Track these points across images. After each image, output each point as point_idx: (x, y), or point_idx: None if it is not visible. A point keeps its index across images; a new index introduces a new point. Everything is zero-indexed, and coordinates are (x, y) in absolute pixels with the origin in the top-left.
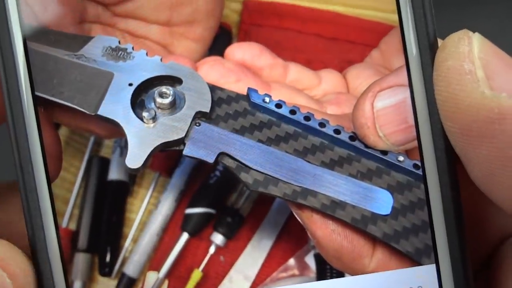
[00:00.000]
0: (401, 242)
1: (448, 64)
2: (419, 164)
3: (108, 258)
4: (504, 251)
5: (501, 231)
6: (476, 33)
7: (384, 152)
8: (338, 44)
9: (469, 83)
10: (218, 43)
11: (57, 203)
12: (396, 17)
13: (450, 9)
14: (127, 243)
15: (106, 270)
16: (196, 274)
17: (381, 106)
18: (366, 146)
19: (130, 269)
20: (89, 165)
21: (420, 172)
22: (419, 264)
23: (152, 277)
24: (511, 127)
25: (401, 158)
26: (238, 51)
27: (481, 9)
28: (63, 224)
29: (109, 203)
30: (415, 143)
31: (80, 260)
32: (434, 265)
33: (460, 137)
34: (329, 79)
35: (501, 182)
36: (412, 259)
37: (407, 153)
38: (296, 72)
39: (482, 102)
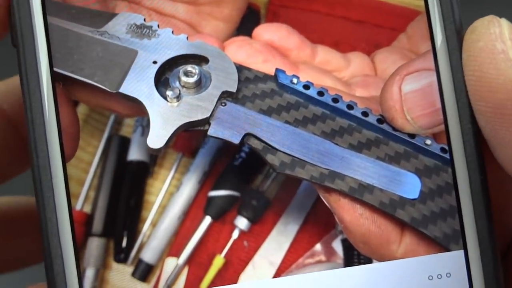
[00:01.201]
0: (429, 227)
1: (480, 45)
2: (447, 147)
3: (124, 243)
4: None
5: None
6: (503, 18)
7: (412, 136)
8: (365, 28)
9: (502, 61)
10: (246, 24)
11: (72, 184)
12: (422, 2)
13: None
14: (146, 227)
15: (121, 256)
16: (218, 261)
17: (409, 89)
18: (394, 129)
19: (148, 255)
20: (108, 145)
21: (447, 155)
22: (448, 250)
23: (171, 263)
24: None
25: (428, 142)
26: (266, 31)
27: (480, 9)
28: (77, 206)
29: (127, 185)
30: (443, 126)
31: (94, 245)
32: (462, 251)
33: (492, 118)
34: (357, 62)
35: None
36: (440, 245)
37: (435, 136)
38: (324, 54)
39: None
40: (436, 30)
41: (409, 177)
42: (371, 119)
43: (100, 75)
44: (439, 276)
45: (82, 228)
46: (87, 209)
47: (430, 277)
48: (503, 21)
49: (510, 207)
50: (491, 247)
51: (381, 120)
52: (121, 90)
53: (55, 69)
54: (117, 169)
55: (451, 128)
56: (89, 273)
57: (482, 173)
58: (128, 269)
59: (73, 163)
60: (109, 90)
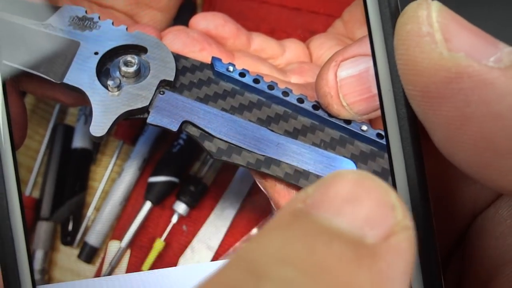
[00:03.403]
0: None
1: (407, 28)
2: (383, 133)
3: (70, 227)
4: (476, 227)
5: (473, 206)
6: (435, 1)
7: (348, 122)
8: (301, 14)
9: (427, 44)
10: (183, 13)
11: (21, 171)
12: None
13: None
14: (90, 212)
15: (68, 239)
16: (158, 244)
17: (345, 76)
18: (330, 115)
19: (92, 238)
20: (54, 133)
21: (383, 141)
22: None
23: (114, 246)
24: (468, 85)
25: (364, 128)
26: (203, 21)
27: (480, 9)
28: (27, 192)
29: (72, 171)
30: (379, 112)
31: (43, 228)
32: None
33: (421, 101)
34: (292, 49)
35: (461, 142)
36: None
37: (371, 122)
38: (260, 42)
39: (440, 62)
40: (371, 14)
41: (344, 162)
42: (307, 105)
43: (45, 67)
44: None
45: (31, 213)
46: (36, 194)
47: None
48: (434, 4)
49: (459, 197)
50: (428, 232)
51: (317, 106)
52: (65, 81)
53: (3, 61)
54: (63, 156)
55: (387, 113)
56: (38, 255)
57: (418, 158)
58: (74, 251)
59: (22, 151)
60: (53, 80)
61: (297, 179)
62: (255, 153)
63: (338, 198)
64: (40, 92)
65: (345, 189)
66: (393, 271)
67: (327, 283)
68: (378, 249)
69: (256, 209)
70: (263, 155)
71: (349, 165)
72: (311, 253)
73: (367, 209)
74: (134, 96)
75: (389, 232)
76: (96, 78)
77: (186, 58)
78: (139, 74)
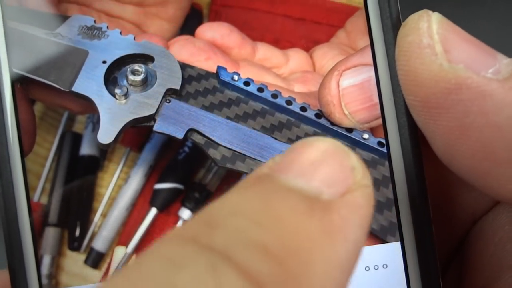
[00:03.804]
0: None
1: (408, 39)
2: (384, 141)
3: (77, 233)
4: (475, 233)
5: (472, 212)
6: (436, 12)
7: (349, 130)
8: (305, 25)
9: (428, 56)
10: (189, 23)
11: (30, 177)
12: None
13: (449, 9)
14: (96, 218)
15: (75, 244)
16: None
17: (347, 85)
18: (332, 123)
19: (99, 244)
20: (62, 140)
21: (384, 149)
22: (384, 241)
23: (120, 252)
24: (467, 97)
25: (366, 136)
26: (209, 30)
27: (480, 9)
28: (35, 198)
29: (80, 178)
30: (380, 121)
31: (50, 234)
32: (399, 243)
33: (421, 111)
34: (296, 58)
35: (460, 151)
36: (377, 237)
37: (372, 131)
38: (264, 51)
39: (440, 74)
40: (373, 25)
41: None
42: (309, 114)
43: (55, 75)
44: (376, 267)
45: (39, 218)
46: (44, 200)
47: (367, 268)
48: (434, 15)
49: (458, 203)
50: (428, 239)
51: (319, 115)
52: (73, 89)
53: (14, 70)
54: (70, 163)
55: (387, 122)
56: (46, 260)
57: (419, 166)
58: (81, 256)
59: (31, 158)
60: (62, 88)
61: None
62: (259, 160)
63: (301, 162)
64: (49, 100)
65: (309, 154)
66: (346, 223)
67: (277, 231)
68: (332, 204)
69: None
70: None
71: None
72: (265, 206)
73: (327, 171)
74: (141, 104)
75: (346, 190)
76: (104, 86)
77: (192, 67)
78: (146, 83)
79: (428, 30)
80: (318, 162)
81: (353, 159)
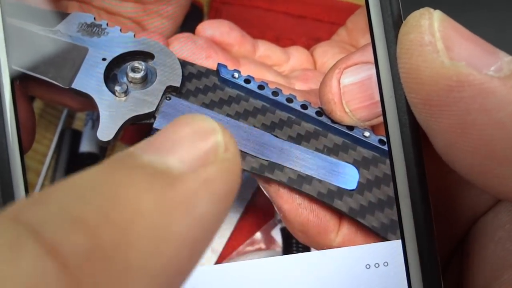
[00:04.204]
0: (367, 217)
1: (410, 37)
2: (385, 139)
3: None
4: (476, 232)
5: (473, 211)
6: (437, 10)
7: (350, 128)
8: (306, 22)
9: (429, 53)
10: (190, 20)
11: (29, 174)
12: None
13: (450, 7)
14: None
15: None
16: None
17: (348, 82)
18: (333, 121)
19: None
20: (62, 138)
21: (385, 147)
22: (385, 239)
23: None
24: (468, 94)
25: (367, 134)
26: (209, 28)
27: (482, 7)
28: None
29: None
30: (381, 119)
31: None
32: (400, 241)
33: (423, 108)
34: (297, 56)
35: (461, 149)
36: (378, 235)
37: (373, 128)
38: (265, 49)
39: (441, 71)
40: (374, 23)
41: (347, 168)
42: (310, 111)
43: (53, 72)
44: (377, 265)
45: None
46: None
47: (368, 266)
48: (436, 13)
49: (459, 201)
50: (428, 237)
51: (320, 112)
52: (73, 86)
53: (13, 67)
54: (70, 160)
55: (389, 120)
56: None
57: (419, 163)
58: None
59: (30, 155)
60: (62, 86)
61: (300, 184)
62: (259, 158)
63: (163, 139)
64: (48, 97)
65: (173, 131)
66: (192, 197)
67: (101, 204)
68: (181, 177)
69: (259, 213)
70: (267, 160)
71: (352, 170)
72: (104, 182)
73: (185, 146)
74: (141, 102)
75: (201, 164)
76: (103, 83)
77: (192, 64)
78: (146, 80)
79: (430, 27)
80: (180, 139)
81: (218, 135)
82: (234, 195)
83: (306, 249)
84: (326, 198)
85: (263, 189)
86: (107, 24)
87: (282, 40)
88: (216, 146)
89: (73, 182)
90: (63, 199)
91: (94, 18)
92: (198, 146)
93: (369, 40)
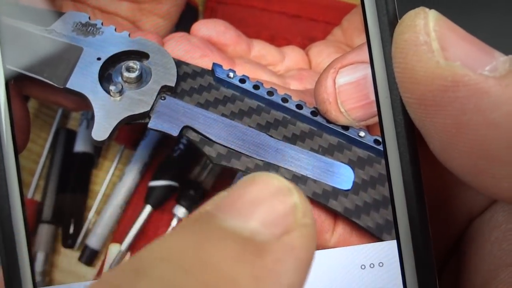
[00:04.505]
0: (362, 217)
1: (405, 37)
2: (380, 139)
3: (71, 230)
4: (471, 232)
5: (469, 211)
6: (432, 10)
7: (346, 128)
8: (301, 22)
9: (424, 53)
10: (185, 20)
11: (24, 174)
12: None
13: (446, 7)
14: (91, 215)
15: (69, 241)
16: None
17: (343, 82)
18: (328, 121)
19: (93, 241)
20: (56, 137)
21: (381, 147)
22: (380, 239)
23: (114, 249)
24: (464, 94)
25: (362, 134)
26: (204, 27)
27: (478, 7)
28: (29, 195)
29: (74, 175)
30: (376, 118)
31: (44, 231)
32: (395, 241)
33: (418, 108)
34: (292, 56)
35: (457, 149)
36: (373, 235)
37: (368, 128)
38: (260, 49)
39: (437, 71)
40: (370, 22)
41: (342, 168)
42: (305, 111)
43: (48, 72)
44: (372, 265)
45: (33, 215)
46: (38, 197)
47: (363, 266)
48: (431, 13)
49: (455, 202)
50: (424, 237)
51: (315, 112)
52: (67, 86)
53: (7, 66)
54: (64, 160)
55: (384, 120)
56: (40, 257)
57: (415, 164)
58: (75, 254)
59: (25, 155)
60: (56, 85)
61: (295, 184)
62: (254, 158)
63: (242, 200)
64: (43, 97)
65: (251, 192)
66: (279, 267)
67: (203, 277)
68: (267, 246)
69: None
70: (262, 160)
71: (347, 170)
72: (197, 250)
73: (266, 210)
74: (136, 101)
75: (284, 231)
76: (98, 83)
77: (187, 64)
78: (141, 80)
79: (425, 27)
80: (259, 200)
81: (294, 196)
82: (313, 261)
83: None
84: (321, 198)
85: None
86: (102, 24)
87: (277, 40)
88: (294, 209)
89: (166, 251)
90: (163, 270)
91: (89, 18)
92: (277, 208)
93: (365, 40)
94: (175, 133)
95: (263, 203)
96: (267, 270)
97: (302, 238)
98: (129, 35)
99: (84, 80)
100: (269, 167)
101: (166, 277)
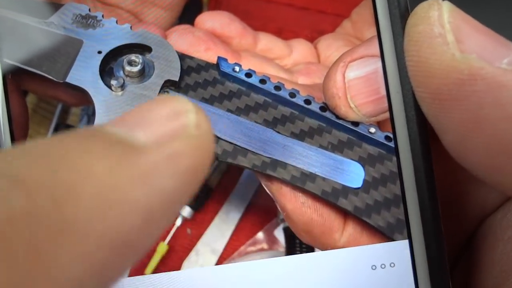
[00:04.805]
0: (372, 217)
1: (418, 29)
2: (391, 136)
3: None
4: (484, 231)
5: (481, 209)
6: (446, 1)
7: (355, 124)
8: (309, 14)
9: (439, 46)
10: (188, 12)
11: None
12: None
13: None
14: None
15: None
16: (162, 247)
17: (353, 77)
18: (337, 117)
19: None
20: (56, 133)
21: (392, 144)
22: (392, 239)
23: None
24: (481, 88)
25: (372, 130)
26: (208, 19)
27: (481, 12)
28: None
29: None
30: (387, 114)
31: None
32: (407, 241)
33: (432, 103)
34: (300, 49)
35: (473, 145)
36: (384, 234)
37: (379, 124)
38: (267, 42)
39: (452, 64)
40: (380, 15)
41: (352, 165)
42: (314, 107)
43: (47, 65)
44: (383, 266)
45: None
46: None
47: (374, 267)
48: (445, 4)
49: (467, 200)
50: (437, 237)
51: (324, 108)
52: (67, 80)
53: (4, 59)
54: None
55: (395, 115)
56: None
57: (427, 161)
58: None
59: None
60: (56, 79)
61: (303, 182)
62: (261, 155)
63: (135, 115)
64: (42, 91)
65: (149, 110)
66: (155, 170)
67: (43, 165)
68: (145, 150)
69: (261, 212)
70: (269, 157)
71: (357, 168)
72: (59, 146)
73: (156, 123)
74: (138, 96)
75: (169, 139)
76: (99, 77)
77: (191, 57)
78: (143, 74)
79: (439, 19)
80: (152, 115)
81: (191, 114)
82: (203, 173)
83: (310, 249)
84: (331, 197)
85: (265, 187)
86: (102, 16)
87: (284, 33)
88: (186, 124)
89: (27, 145)
90: (12, 160)
91: (89, 9)
92: (169, 124)
93: (375, 33)
94: None
95: (156, 118)
96: (133, 170)
97: (188, 146)
98: (131, 27)
99: (84, 74)
100: (276, 164)
101: (7, 164)
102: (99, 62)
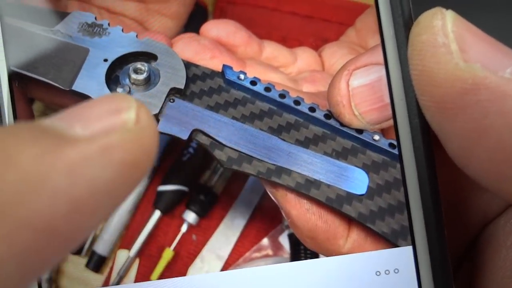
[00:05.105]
0: (376, 223)
1: (422, 38)
2: (395, 143)
3: None
4: (486, 237)
5: (483, 215)
6: (449, 10)
7: (360, 131)
8: (313, 22)
9: (443, 55)
10: (194, 20)
11: None
12: None
13: (462, 7)
14: None
15: (76, 248)
16: (168, 253)
17: (357, 84)
18: (341, 124)
19: (101, 247)
20: None
21: (396, 151)
22: (396, 245)
23: (122, 255)
24: (485, 97)
25: (376, 137)
26: (214, 28)
27: (481, 13)
28: None
29: None
30: (391, 122)
31: None
32: (410, 247)
33: (436, 112)
34: (304, 57)
35: (477, 153)
36: (388, 241)
37: (383, 132)
38: (271, 50)
39: (456, 73)
40: (384, 23)
41: (356, 172)
42: (318, 114)
43: (54, 73)
44: (387, 272)
45: None
46: None
47: (378, 273)
48: (448, 13)
49: (469, 206)
50: (440, 243)
51: (329, 115)
52: (73, 88)
53: (11, 68)
54: None
55: (399, 123)
56: None
57: (431, 168)
58: (82, 260)
59: None
60: (62, 87)
61: (308, 189)
62: (266, 162)
63: (76, 109)
64: (48, 99)
65: (89, 105)
66: (86, 161)
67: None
68: (78, 142)
69: (266, 219)
70: (274, 164)
71: (361, 175)
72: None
73: (94, 117)
74: (144, 104)
75: (104, 133)
76: (105, 85)
77: (196, 65)
78: (149, 82)
79: (443, 28)
80: (92, 111)
81: (131, 111)
82: (144, 167)
83: (315, 255)
84: (335, 203)
85: (270, 194)
86: (108, 24)
87: (289, 41)
88: (125, 120)
89: None
90: None
91: (95, 18)
92: (107, 120)
93: (379, 41)
94: (184, 136)
95: (96, 114)
96: (66, 161)
97: (123, 140)
98: (136, 35)
99: (90, 82)
100: (281, 171)
101: None
102: (105, 70)
